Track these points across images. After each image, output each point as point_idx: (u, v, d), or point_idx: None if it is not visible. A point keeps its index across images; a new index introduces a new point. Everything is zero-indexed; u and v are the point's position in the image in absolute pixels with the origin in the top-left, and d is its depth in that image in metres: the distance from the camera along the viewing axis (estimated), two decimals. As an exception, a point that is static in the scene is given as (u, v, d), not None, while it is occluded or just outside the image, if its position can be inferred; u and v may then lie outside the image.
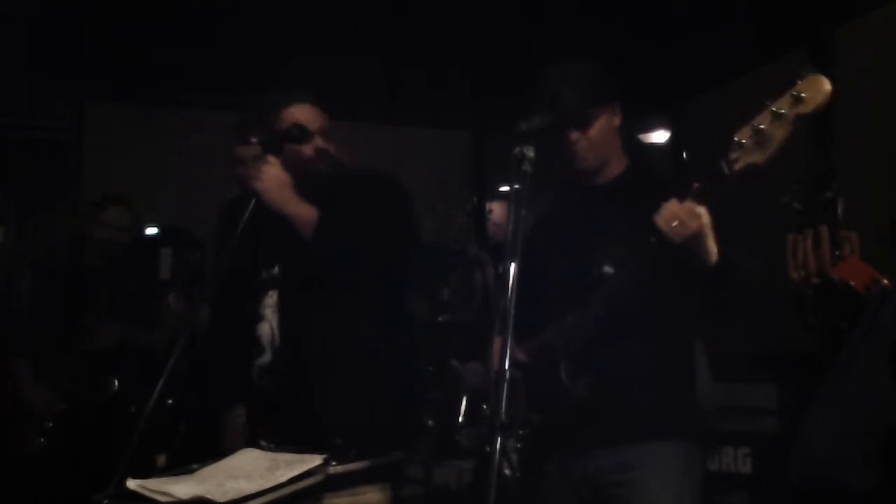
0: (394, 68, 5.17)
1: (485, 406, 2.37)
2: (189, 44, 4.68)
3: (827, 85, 1.74)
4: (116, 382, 3.60)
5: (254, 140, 2.49)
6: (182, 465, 2.01)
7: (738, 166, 1.83)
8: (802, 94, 1.75)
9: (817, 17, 4.26)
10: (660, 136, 5.84)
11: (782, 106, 1.77)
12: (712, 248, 1.95)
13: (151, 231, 4.17)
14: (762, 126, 1.79)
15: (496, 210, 5.18)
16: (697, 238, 1.92)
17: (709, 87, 5.00)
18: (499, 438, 1.67)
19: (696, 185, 1.90)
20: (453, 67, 5.14)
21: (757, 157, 1.81)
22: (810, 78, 1.75)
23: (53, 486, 3.35)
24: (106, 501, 1.80)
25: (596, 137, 2.23)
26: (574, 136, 2.22)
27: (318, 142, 2.50)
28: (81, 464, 3.37)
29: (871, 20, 4.08)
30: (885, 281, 2.01)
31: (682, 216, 1.89)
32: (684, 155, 5.10)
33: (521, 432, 2.14)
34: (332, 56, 4.60)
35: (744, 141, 1.82)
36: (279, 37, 4.63)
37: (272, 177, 2.40)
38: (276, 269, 2.58)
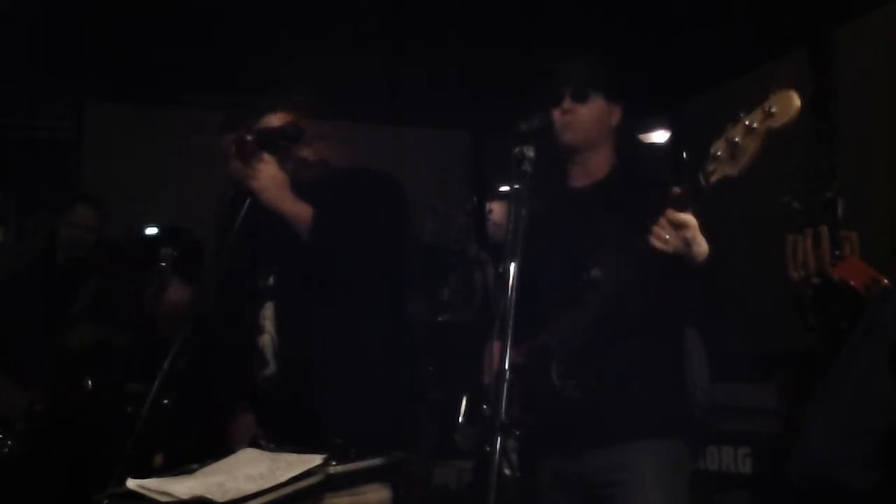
0: (394, 68, 5.17)
1: (485, 406, 2.38)
2: (189, 44, 4.68)
3: (796, 101, 1.78)
4: (90, 383, 3.57)
5: (249, 138, 2.49)
6: (180, 465, 2.01)
7: (713, 178, 1.88)
8: (773, 109, 1.79)
9: (817, 17, 4.26)
10: (660, 136, 5.84)
11: (754, 120, 1.81)
12: (704, 247, 1.98)
13: (151, 231, 4.17)
14: (736, 139, 1.84)
15: (496, 210, 5.18)
16: (690, 244, 1.96)
17: (709, 87, 4.99)
18: (499, 438, 1.68)
19: (675, 190, 1.95)
20: (453, 67, 5.14)
21: (731, 170, 1.85)
22: (781, 93, 1.80)
23: (24, 488, 3.32)
24: (106, 501, 1.80)
25: (587, 116, 2.29)
26: (567, 104, 2.27)
27: (300, 150, 2.50)
28: (53, 466, 3.35)
29: (871, 20, 4.07)
30: (886, 281, 2.01)
31: (674, 229, 1.93)
32: (684, 155, 5.10)
33: (516, 433, 2.15)
34: (332, 56, 4.60)
35: (719, 153, 1.87)
36: (279, 37, 4.63)
37: (269, 175, 2.39)
38: (271, 280, 2.58)
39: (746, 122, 1.81)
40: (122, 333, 3.65)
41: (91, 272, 3.75)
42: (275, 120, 2.50)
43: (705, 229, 1.99)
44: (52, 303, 3.66)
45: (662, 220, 1.94)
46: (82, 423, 3.47)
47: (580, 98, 2.29)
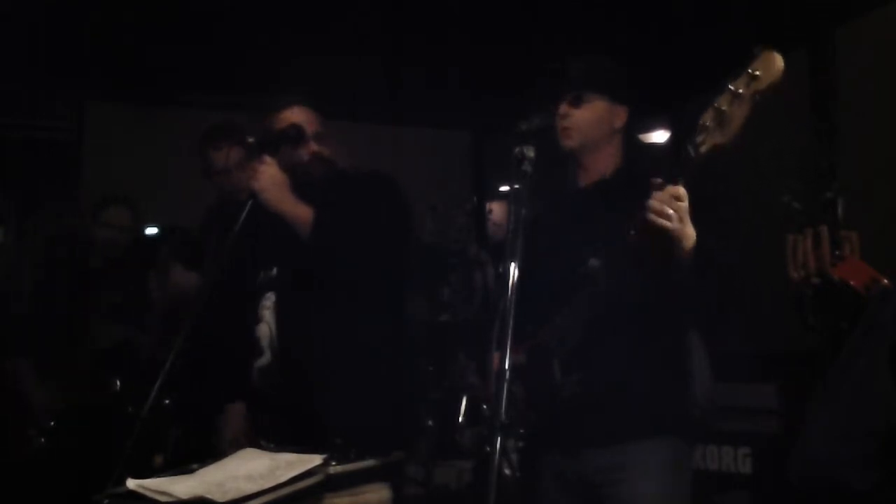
0: (394, 68, 5.17)
1: (485, 406, 2.38)
2: (189, 44, 4.69)
3: (779, 62, 1.75)
4: (118, 383, 3.59)
5: (250, 140, 2.50)
6: (180, 465, 2.01)
7: (703, 148, 1.85)
8: (757, 73, 1.77)
9: (817, 17, 4.26)
10: (660, 136, 5.84)
11: (739, 85, 1.79)
12: (691, 230, 1.90)
13: (151, 231, 4.17)
14: (723, 107, 1.81)
15: (496, 210, 5.18)
16: (684, 221, 1.88)
17: (709, 87, 4.99)
18: (499, 438, 1.67)
19: (655, 181, 1.90)
20: (453, 67, 5.14)
21: (720, 138, 1.83)
22: (764, 55, 1.77)
23: (53, 486, 3.35)
24: (106, 501, 1.80)
25: (584, 120, 2.27)
26: (564, 108, 2.26)
27: (313, 146, 2.51)
28: (82, 463, 3.36)
29: (871, 20, 4.07)
30: (886, 281, 2.01)
31: (670, 202, 1.86)
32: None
33: (521, 431, 2.14)
34: (332, 56, 4.61)
35: (707, 123, 1.85)
36: (279, 37, 4.64)
37: (269, 176, 2.40)
38: (274, 271, 2.58)
39: (732, 89, 1.80)
40: (146, 334, 3.66)
41: (124, 271, 3.76)
42: (290, 116, 2.51)
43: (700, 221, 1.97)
44: (83, 302, 3.68)
45: (661, 194, 1.86)
46: (111, 422, 3.48)
47: (576, 102, 2.27)
